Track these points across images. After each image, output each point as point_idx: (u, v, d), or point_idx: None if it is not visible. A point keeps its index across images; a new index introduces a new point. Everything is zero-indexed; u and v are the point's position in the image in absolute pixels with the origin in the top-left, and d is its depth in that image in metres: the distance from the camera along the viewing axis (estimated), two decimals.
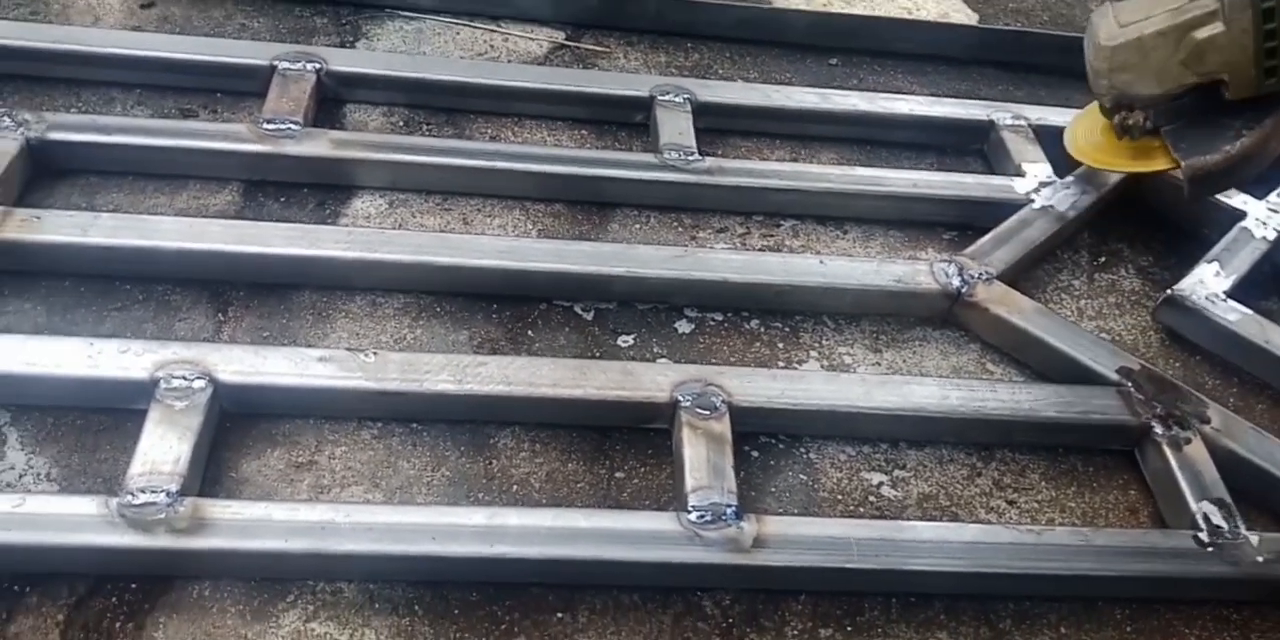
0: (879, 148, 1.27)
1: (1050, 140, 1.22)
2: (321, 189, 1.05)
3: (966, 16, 1.54)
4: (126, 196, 1.00)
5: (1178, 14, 0.92)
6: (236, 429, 0.83)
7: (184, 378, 0.79)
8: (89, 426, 0.82)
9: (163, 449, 0.75)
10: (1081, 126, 1.14)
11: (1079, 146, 1.12)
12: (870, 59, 1.40)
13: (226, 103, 1.12)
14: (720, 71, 1.33)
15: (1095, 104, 1.08)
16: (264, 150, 1.02)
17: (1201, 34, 0.91)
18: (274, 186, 1.04)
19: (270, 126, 1.03)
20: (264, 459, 0.82)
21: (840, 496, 0.90)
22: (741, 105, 1.23)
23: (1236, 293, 1.09)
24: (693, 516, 0.79)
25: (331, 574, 0.76)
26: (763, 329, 1.02)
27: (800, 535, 0.81)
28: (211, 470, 0.80)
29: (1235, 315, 1.06)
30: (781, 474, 0.90)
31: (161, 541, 0.72)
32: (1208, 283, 1.09)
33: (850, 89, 1.33)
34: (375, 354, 0.84)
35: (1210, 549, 0.86)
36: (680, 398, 0.87)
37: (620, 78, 1.27)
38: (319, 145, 1.03)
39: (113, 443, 0.81)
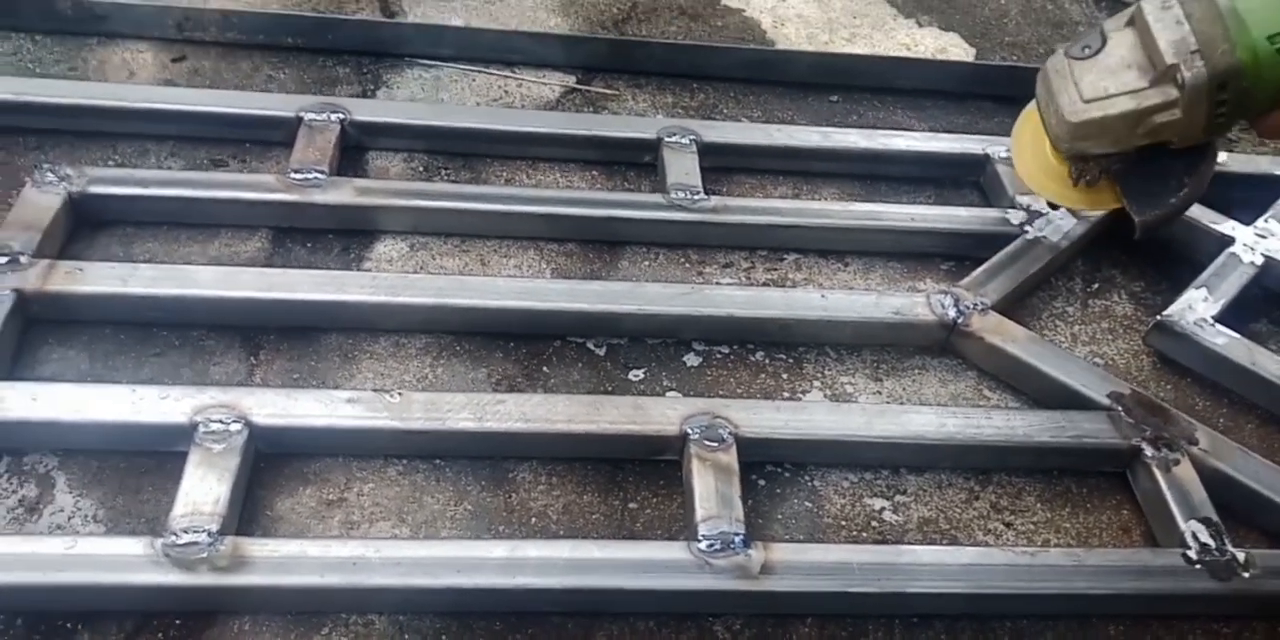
0: (879, 182, 1.31)
1: None
2: (346, 234, 1.10)
3: (964, 51, 1.59)
4: (162, 245, 1.06)
5: (1139, 99, 0.95)
6: (270, 468, 0.88)
7: (221, 421, 0.85)
8: (132, 469, 0.87)
9: (203, 490, 0.80)
10: (1028, 150, 1.15)
11: (1033, 176, 1.14)
12: (870, 96, 1.45)
13: (255, 152, 1.18)
14: (725, 111, 1.38)
15: (1035, 112, 1.12)
16: (292, 199, 1.07)
17: (1160, 118, 0.95)
18: (301, 233, 1.10)
19: (298, 176, 1.09)
20: (297, 497, 0.87)
21: (844, 522, 0.94)
22: (745, 144, 1.28)
23: (1225, 317, 1.12)
24: (703, 545, 0.84)
25: (364, 607, 0.81)
26: (768, 361, 1.07)
27: (805, 561, 0.85)
28: (248, 509, 0.85)
29: (1223, 339, 1.10)
30: (787, 502, 0.95)
31: (204, 579, 0.77)
32: (1196, 308, 1.13)
33: (850, 125, 1.38)
34: (400, 394, 0.89)
35: (1199, 566, 0.90)
36: (689, 430, 0.92)
37: (629, 121, 1.32)
38: (344, 193, 1.09)
39: (155, 484, 0.86)
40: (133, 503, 0.85)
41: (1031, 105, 1.18)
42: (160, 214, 1.07)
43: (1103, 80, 0.97)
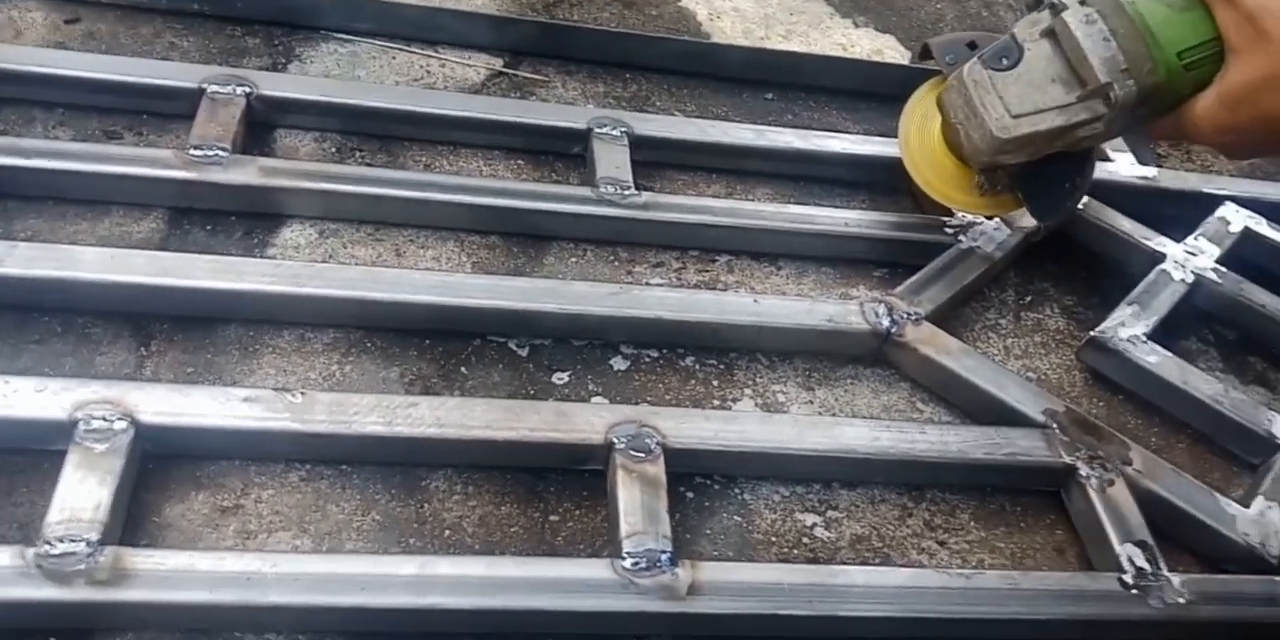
0: (812, 184, 1.27)
1: None
2: (249, 217, 1.02)
3: (900, 54, 1.56)
4: (46, 223, 0.96)
5: (1067, 114, 0.96)
6: (159, 471, 0.80)
7: (104, 418, 0.76)
8: (4, 468, 0.78)
9: (82, 495, 0.72)
10: (921, 156, 1.16)
11: (932, 185, 1.15)
12: (805, 95, 1.42)
13: (153, 125, 1.09)
14: (658, 103, 1.33)
15: (922, 107, 1.13)
16: (190, 177, 0.99)
17: (1083, 132, 0.97)
18: (200, 214, 1.01)
19: (197, 152, 1.00)
20: (188, 503, 0.79)
21: (774, 538, 0.90)
22: (679, 139, 1.23)
23: (1157, 335, 1.11)
24: (627, 563, 0.79)
25: (259, 626, 0.74)
26: (698, 366, 1.02)
27: (734, 582, 0.80)
28: (133, 515, 0.77)
29: (1155, 357, 1.09)
30: (716, 516, 0.90)
31: (81, 594, 0.69)
32: (1128, 325, 1.11)
33: (785, 124, 1.34)
34: (303, 394, 0.82)
35: (1134, 591, 0.88)
36: (615, 439, 0.86)
37: (558, 109, 1.26)
38: (247, 173, 1.00)
39: (30, 485, 0.77)
40: (3, 506, 0.76)
41: (910, 109, 1.17)
42: (45, 188, 0.98)
43: (1030, 95, 0.97)
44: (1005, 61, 0.98)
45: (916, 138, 1.16)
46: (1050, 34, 0.96)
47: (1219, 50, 0.89)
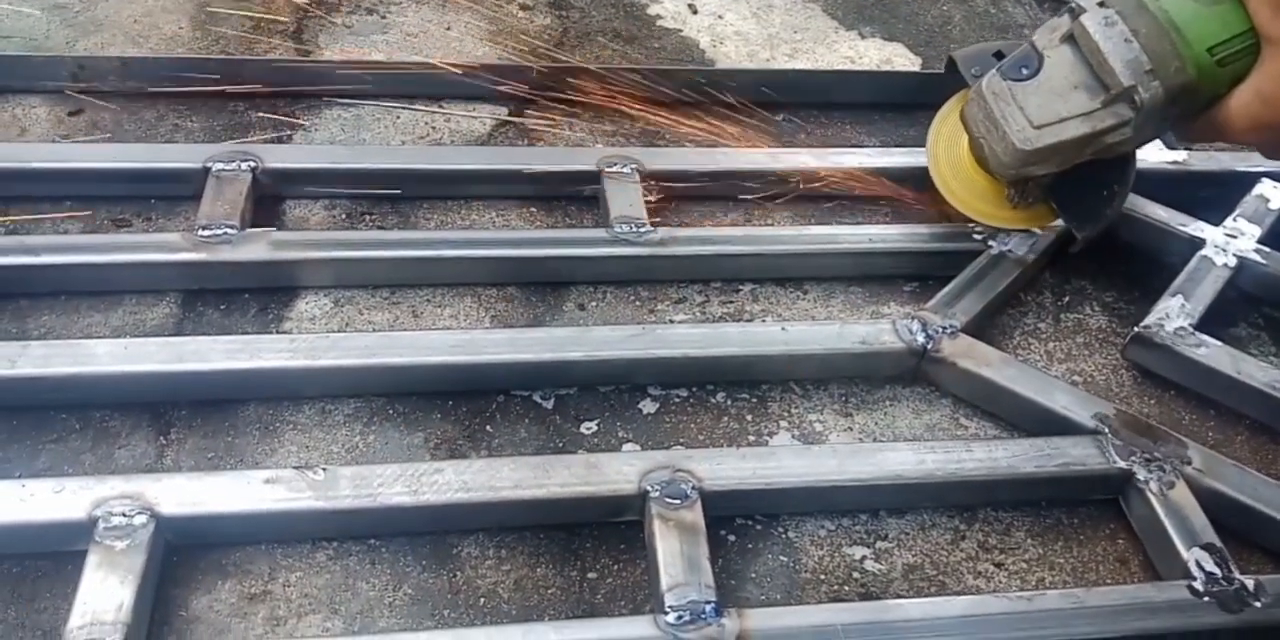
0: (832, 202, 1.25)
1: None
2: (263, 293, 1.02)
3: (909, 61, 1.54)
4: (59, 318, 0.97)
5: (1092, 122, 0.93)
6: (184, 562, 0.79)
7: (124, 515, 0.76)
8: (26, 574, 0.78)
9: (103, 596, 0.71)
10: (950, 171, 1.13)
11: (964, 200, 1.13)
12: (817, 112, 1.39)
13: (162, 209, 1.10)
14: (668, 136, 1.32)
15: (949, 122, 1.10)
16: (200, 258, 0.99)
17: (1112, 138, 0.94)
18: (213, 294, 1.01)
19: (206, 233, 1.00)
20: (215, 593, 0.78)
21: (823, 576, 0.87)
22: (690, 170, 1.21)
23: (1204, 324, 1.07)
24: (670, 618, 0.76)
25: None
26: (729, 402, 1.00)
27: (784, 627, 0.78)
28: (160, 610, 0.76)
29: (1205, 348, 1.04)
30: (760, 557, 0.87)
31: None
32: (1174, 316, 1.07)
33: (799, 144, 1.31)
34: (325, 470, 0.81)
35: (1207, 598, 0.83)
36: (649, 488, 0.84)
37: (566, 152, 1.25)
38: (257, 249, 1.00)
39: (52, 590, 0.77)
40: (27, 613, 0.76)
41: (938, 124, 1.14)
42: (56, 284, 0.98)
43: (1052, 104, 0.94)
44: (1025, 71, 0.96)
45: (945, 154, 1.13)
46: (1070, 39, 0.93)
47: (1255, 42, 0.85)
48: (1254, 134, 0.88)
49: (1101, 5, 0.91)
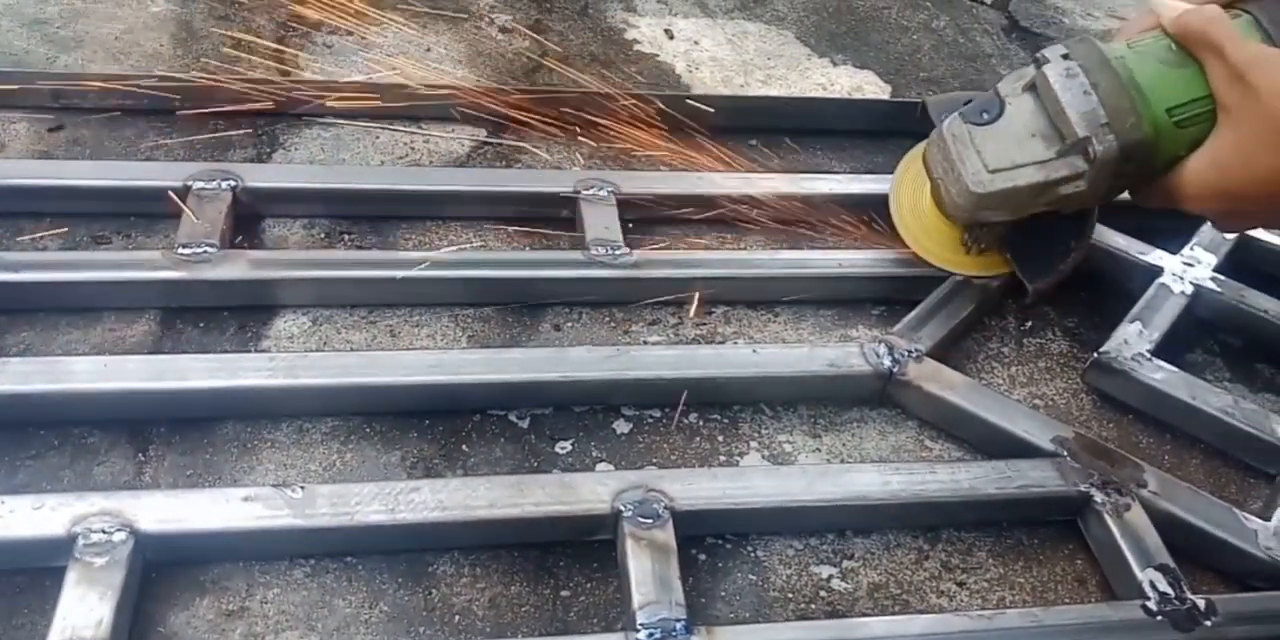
0: (804, 227, 1.27)
1: None
2: (242, 311, 1.03)
3: (879, 88, 1.57)
4: (38, 335, 0.97)
5: (1046, 170, 0.95)
6: (162, 579, 0.80)
7: (103, 531, 0.77)
8: (4, 590, 0.78)
9: (83, 612, 0.72)
10: (910, 213, 1.17)
11: (919, 242, 1.16)
12: (789, 137, 1.42)
13: (141, 226, 1.10)
14: (644, 160, 1.34)
15: (915, 166, 1.13)
16: (180, 277, 1.00)
17: (1065, 190, 0.96)
18: (193, 312, 1.02)
19: (186, 251, 1.01)
20: (193, 609, 0.79)
21: (791, 594, 0.89)
22: (665, 194, 1.23)
23: (1161, 350, 1.10)
24: (641, 635, 0.78)
25: None
26: (701, 423, 1.02)
27: None
28: (138, 626, 0.77)
29: (1161, 374, 1.08)
30: (730, 576, 0.89)
31: None
32: (1132, 342, 1.10)
33: (771, 169, 1.34)
34: (302, 488, 0.82)
35: (1160, 617, 0.86)
36: (621, 507, 0.86)
37: (543, 174, 1.27)
38: (236, 268, 1.01)
39: (31, 605, 0.77)
40: (5, 629, 0.76)
41: (904, 167, 1.17)
42: (36, 300, 0.99)
43: (1008, 150, 0.96)
44: (986, 116, 0.98)
45: (908, 198, 1.16)
46: (1032, 88, 0.95)
47: (1211, 109, 0.87)
48: (1208, 202, 0.89)
49: (1066, 58, 0.93)
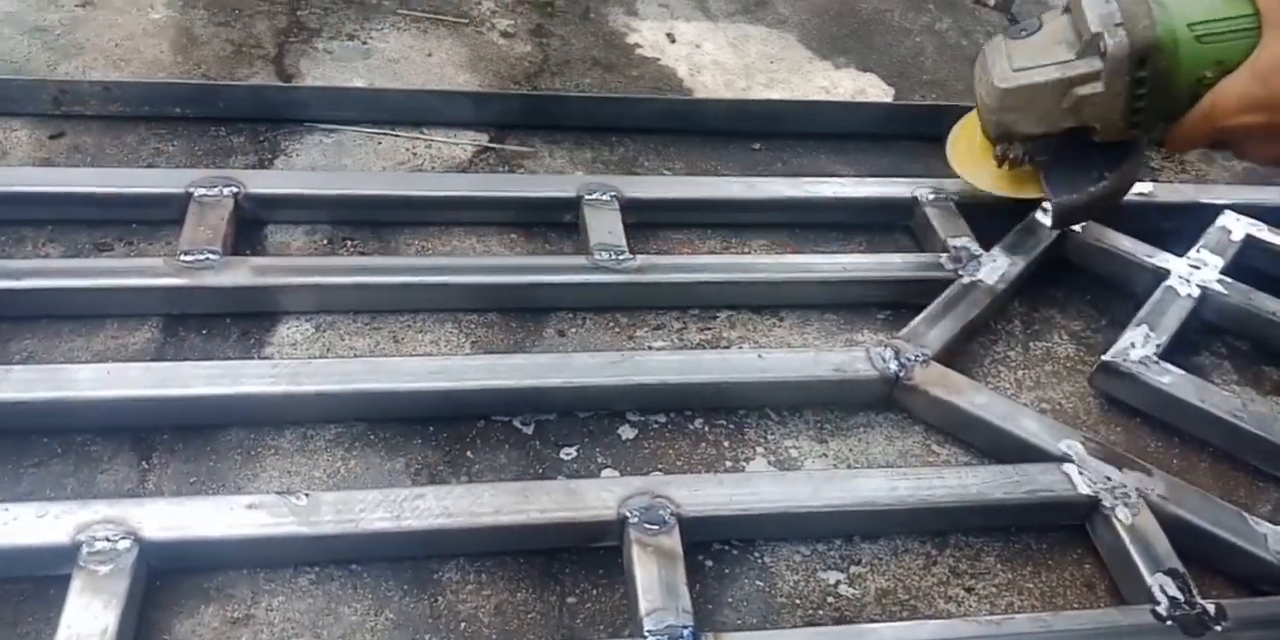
0: (808, 231, 1.27)
1: (973, 213, 1.24)
2: (244, 318, 1.03)
3: (883, 92, 1.57)
4: (41, 342, 0.97)
5: (1065, 69, 1.00)
6: (167, 587, 0.80)
7: (107, 539, 0.76)
8: (9, 598, 0.78)
9: (87, 620, 0.72)
10: (963, 141, 1.23)
11: (961, 163, 1.22)
12: (793, 141, 1.42)
13: (143, 233, 1.10)
14: (646, 164, 1.34)
15: (975, 115, 1.16)
16: (182, 284, 0.99)
17: (1082, 90, 1.00)
18: (195, 319, 1.02)
19: (188, 258, 1.01)
20: (198, 617, 0.79)
21: (798, 600, 0.88)
22: (669, 199, 1.23)
23: (1169, 353, 1.10)
24: None
25: None
26: (707, 428, 1.01)
27: None
28: (143, 634, 0.76)
29: (1169, 377, 1.07)
30: (737, 582, 0.88)
31: None
32: (1139, 346, 1.10)
33: (775, 173, 1.34)
34: (307, 495, 0.82)
35: (1169, 622, 0.86)
36: (627, 514, 0.85)
37: (547, 179, 1.27)
38: (239, 274, 1.01)
39: (35, 613, 0.77)
40: (10, 637, 0.75)
41: (971, 115, 1.20)
42: (38, 308, 0.99)
43: (1034, 54, 1.02)
44: (1024, 32, 1.04)
45: (967, 125, 1.23)
46: (1067, 9, 1.02)
47: (1245, 28, 0.91)
48: (1246, 114, 0.91)
49: None
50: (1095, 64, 0.98)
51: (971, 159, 1.20)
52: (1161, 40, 0.93)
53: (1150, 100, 0.98)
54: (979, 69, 1.08)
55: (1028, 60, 1.02)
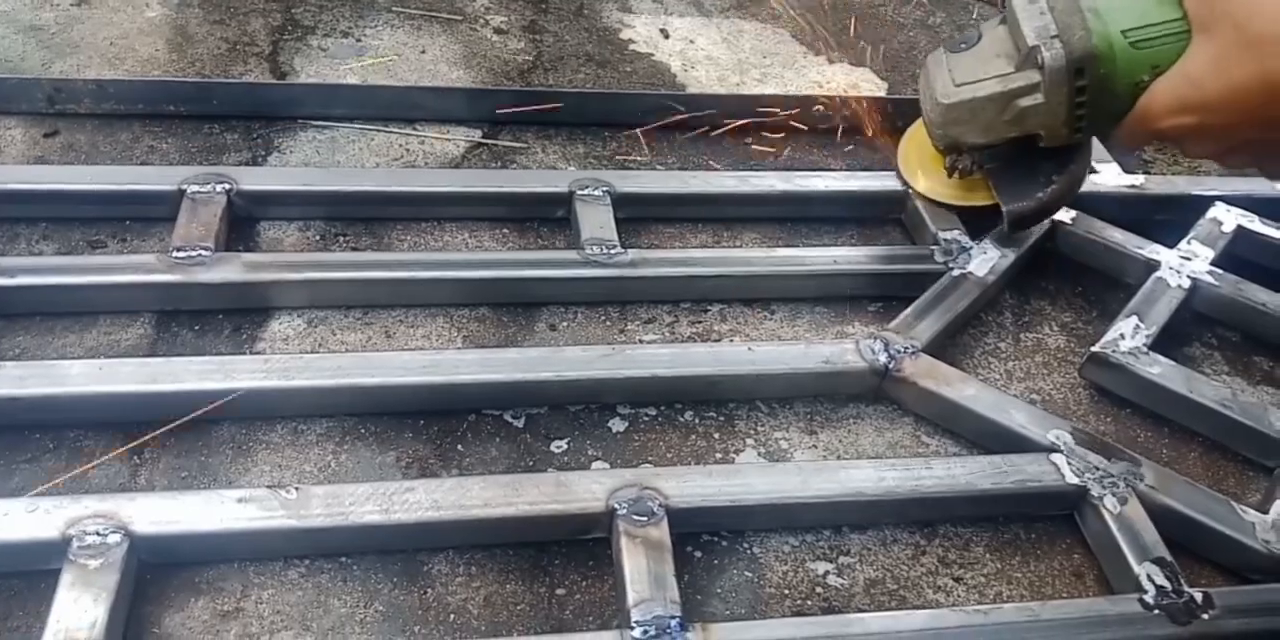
0: (800, 224, 1.27)
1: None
2: (237, 314, 1.03)
3: (876, 85, 1.57)
4: (34, 339, 0.98)
5: (1005, 82, 1.01)
6: (157, 580, 0.80)
7: (97, 533, 0.77)
8: None
9: (77, 614, 0.72)
10: (913, 153, 1.26)
11: (912, 173, 1.25)
12: (785, 135, 1.42)
13: (136, 230, 1.11)
14: (638, 159, 1.34)
15: (921, 126, 1.18)
16: (175, 280, 1.00)
17: (1024, 102, 1.01)
18: (188, 315, 1.02)
19: (180, 254, 1.02)
20: (188, 611, 0.79)
21: (787, 590, 0.88)
22: (661, 193, 1.23)
23: (1159, 344, 1.10)
24: (636, 633, 0.78)
25: None
26: (697, 420, 1.02)
27: None
28: (133, 628, 0.77)
29: (1158, 368, 1.07)
30: (726, 573, 0.89)
31: None
32: (1129, 337, 1.10)
33: (766, 168, 1.34)
34: (297, 489, 0.82)
35: (1156, 611, 0.86)
36: (616, 505, 0.86)
37: (539, 174, 1.27)
38: (231, 270, 1.02)
39: (25, 608, 0.77)
40: (0, 632, 0.76)
41: (917, 123, 1.22)
42: (31, 304, 0.99)
43: (975, 68, 1.04)
44: (963, 45, 1.06)
45: (916, 135, 1.25)
46: (1004, 20, 1.03)
47: (1181, 31, 0.91)
48: (1179, 116, 0.91)
49: None
50: (1034, 76, 0.99)
51: (923, 168, 1.23)
52: (1098, 49, 0.94)
53: (1091, 107, 0.99)
54: (923, 83, 1.09)
55: (968, 74, 1.03)
